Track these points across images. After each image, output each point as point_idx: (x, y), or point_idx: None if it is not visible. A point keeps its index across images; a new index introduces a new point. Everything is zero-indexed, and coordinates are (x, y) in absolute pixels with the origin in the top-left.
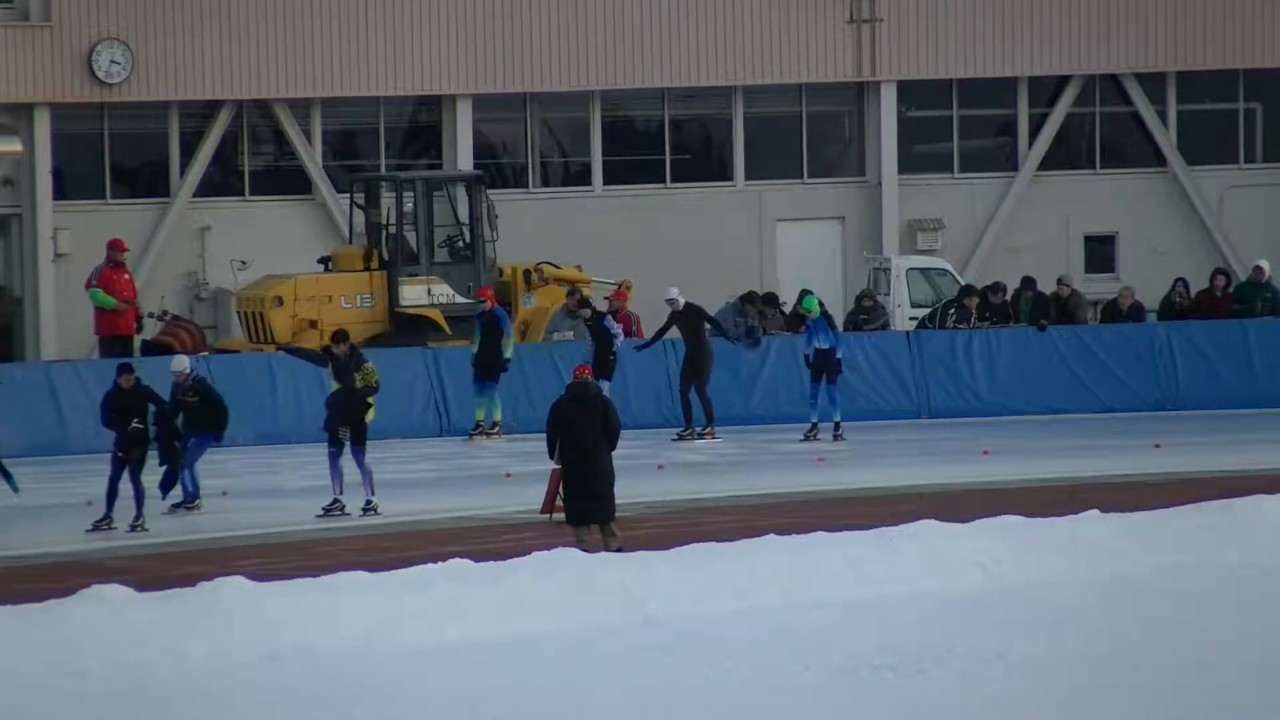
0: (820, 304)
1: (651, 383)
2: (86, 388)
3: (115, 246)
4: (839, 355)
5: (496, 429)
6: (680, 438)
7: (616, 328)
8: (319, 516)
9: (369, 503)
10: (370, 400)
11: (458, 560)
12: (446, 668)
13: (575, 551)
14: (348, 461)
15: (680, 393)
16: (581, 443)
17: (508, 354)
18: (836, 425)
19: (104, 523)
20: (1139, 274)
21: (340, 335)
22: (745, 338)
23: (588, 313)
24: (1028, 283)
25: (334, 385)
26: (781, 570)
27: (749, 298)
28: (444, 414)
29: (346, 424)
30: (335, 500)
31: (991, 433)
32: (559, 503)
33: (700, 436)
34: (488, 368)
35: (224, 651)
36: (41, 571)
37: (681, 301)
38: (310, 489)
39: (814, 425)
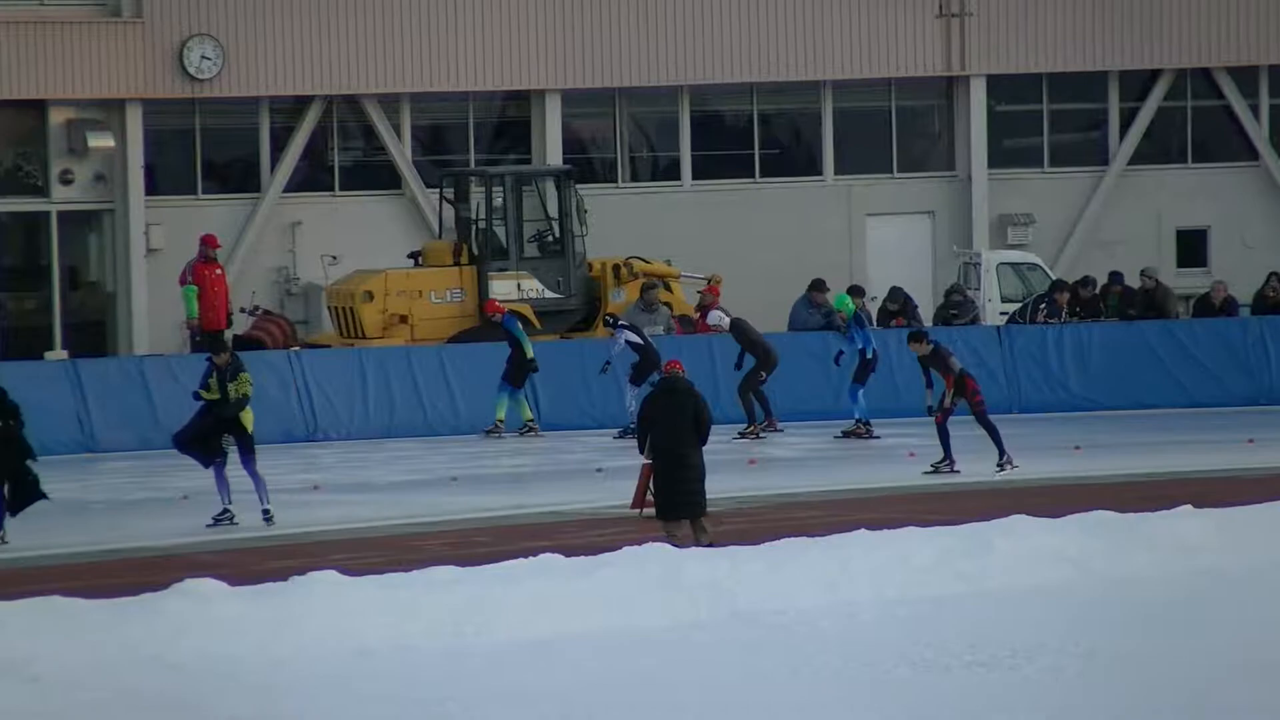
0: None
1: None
2: (180, 381)
3: (208, 242)
4: (868, 353)
5: (499, 427)
6: (743, 435)
7: (619, 341)
8: (209, 526)
9: (266, 511)
10: (243, 412)
11: (548, 555)
12: (536, 662)
13: (665, 546)
14: (237, 471)
15: (740, 393)
16: (672, 437)
17: (529, 354)
18: (858, 423)
19: None
20: (1231, 268)
21: (220, 344)
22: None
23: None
24: (1115, 277)
25: (215, 393)
26: (872, 565)
27: (816, 285)
28: (536, 408)
29: (226, 437)
30: (225, 510)
31: (1083, 428)
32: (649, 497)
33: (745, 436)
34: (509, 371)
35: (315, 645)
36: (135, 565)
37: (728, 320)
38: (401, 484)
39: (859, 422)
